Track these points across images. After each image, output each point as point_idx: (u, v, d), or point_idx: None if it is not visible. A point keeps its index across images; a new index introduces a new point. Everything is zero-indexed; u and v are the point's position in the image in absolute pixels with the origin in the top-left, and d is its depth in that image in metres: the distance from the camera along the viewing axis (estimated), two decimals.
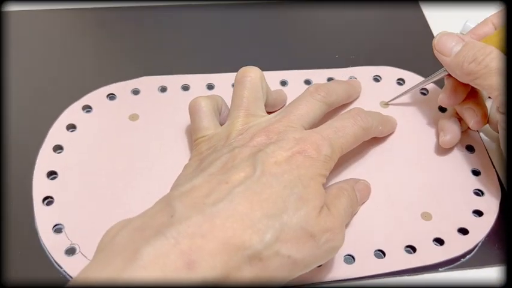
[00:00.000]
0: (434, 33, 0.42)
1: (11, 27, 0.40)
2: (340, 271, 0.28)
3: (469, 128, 0.34)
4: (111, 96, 0.36)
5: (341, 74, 0.39)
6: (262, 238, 0.23)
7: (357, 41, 0.42)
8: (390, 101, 0.36)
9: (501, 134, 0.30)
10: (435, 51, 0.32)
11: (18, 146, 0.33)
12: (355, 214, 0.31)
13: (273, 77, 0.37)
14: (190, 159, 0.30)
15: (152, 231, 0.22)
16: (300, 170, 0.26)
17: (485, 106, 0.33)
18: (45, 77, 0.37)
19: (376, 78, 0.38)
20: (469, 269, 0.29)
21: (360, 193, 0.31)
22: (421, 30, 0.42)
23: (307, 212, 0.24)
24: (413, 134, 0.35)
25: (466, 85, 0.32)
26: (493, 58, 0.29)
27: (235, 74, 0.32)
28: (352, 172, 0.33)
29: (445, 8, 0.44)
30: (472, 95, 0.33)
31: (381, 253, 0.29)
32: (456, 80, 0.32)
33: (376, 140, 0.34)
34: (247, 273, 0.22)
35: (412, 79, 0.38)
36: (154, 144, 0.33)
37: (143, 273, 0.20)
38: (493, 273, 0.29)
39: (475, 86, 0.31)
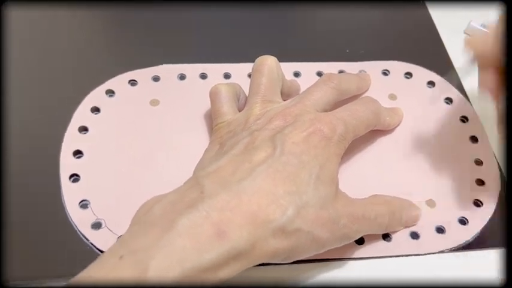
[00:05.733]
0: (439, 30, 0.44)
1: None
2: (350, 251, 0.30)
3: None
4: (133, 82, 0.37)
5: (351, 67, 0.40)
6: (285, 212, 0.24)
7: (366, 38, 0.43)
8: None
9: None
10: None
11: (45, 128, 0.34)
12: (392, 231, 0.31)
13: (286, 68, 0.38)
14: (210, 143, 0.32)
15: (185, 205, 0.24)
16: (317, 150, 0.27)
17: None
18: (69, 66, 0.39)
19: (385, 72, 0.40)
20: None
21: (408, 218, 0.31)
22: (426, 28, 0.44)
23: (325, 192, 0.26)
24: (419, 125, 0.37)
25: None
26: None
27: (250, 64, 0.34)
28: (359, 161, 0.34)
29: (449, 7, 0.45)
30: None
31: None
32: None
33: (383, 132, 0.36)
34: (272, 245, 0.24)
35: (419, 72, 0.40)
36: (174, 128, 0.35)
37: (179, 240, 0.22)
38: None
39: None
